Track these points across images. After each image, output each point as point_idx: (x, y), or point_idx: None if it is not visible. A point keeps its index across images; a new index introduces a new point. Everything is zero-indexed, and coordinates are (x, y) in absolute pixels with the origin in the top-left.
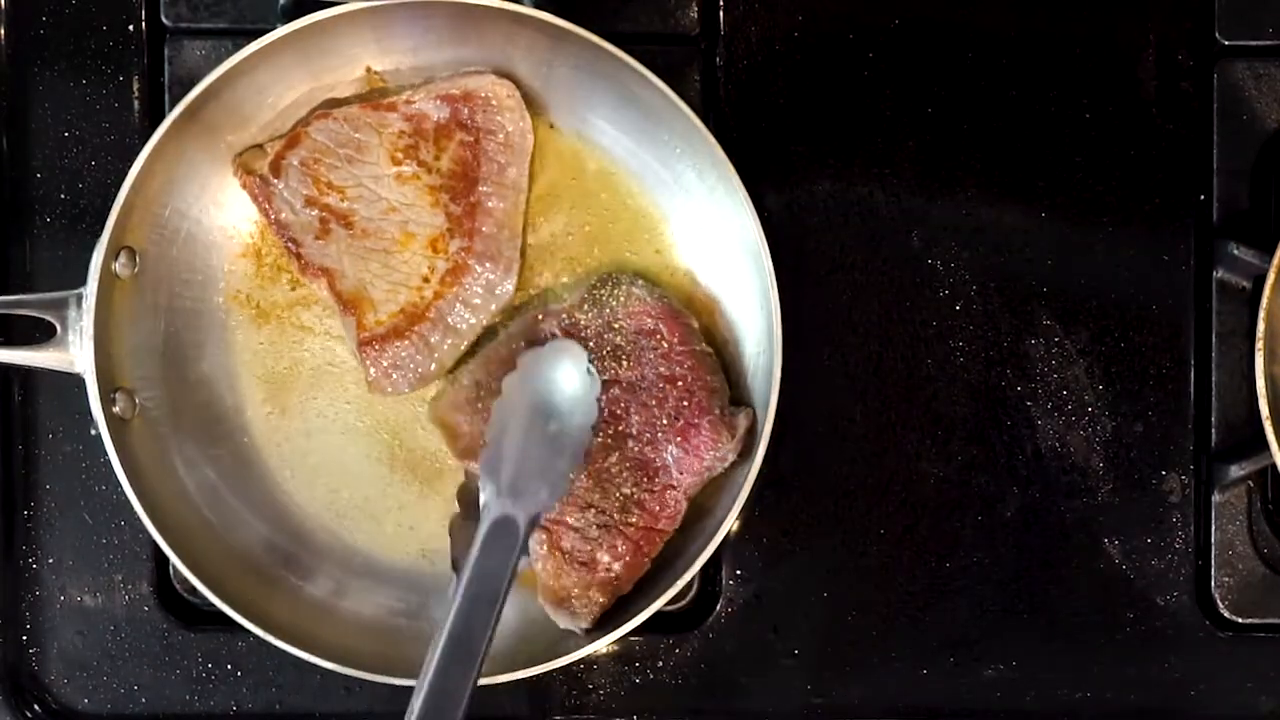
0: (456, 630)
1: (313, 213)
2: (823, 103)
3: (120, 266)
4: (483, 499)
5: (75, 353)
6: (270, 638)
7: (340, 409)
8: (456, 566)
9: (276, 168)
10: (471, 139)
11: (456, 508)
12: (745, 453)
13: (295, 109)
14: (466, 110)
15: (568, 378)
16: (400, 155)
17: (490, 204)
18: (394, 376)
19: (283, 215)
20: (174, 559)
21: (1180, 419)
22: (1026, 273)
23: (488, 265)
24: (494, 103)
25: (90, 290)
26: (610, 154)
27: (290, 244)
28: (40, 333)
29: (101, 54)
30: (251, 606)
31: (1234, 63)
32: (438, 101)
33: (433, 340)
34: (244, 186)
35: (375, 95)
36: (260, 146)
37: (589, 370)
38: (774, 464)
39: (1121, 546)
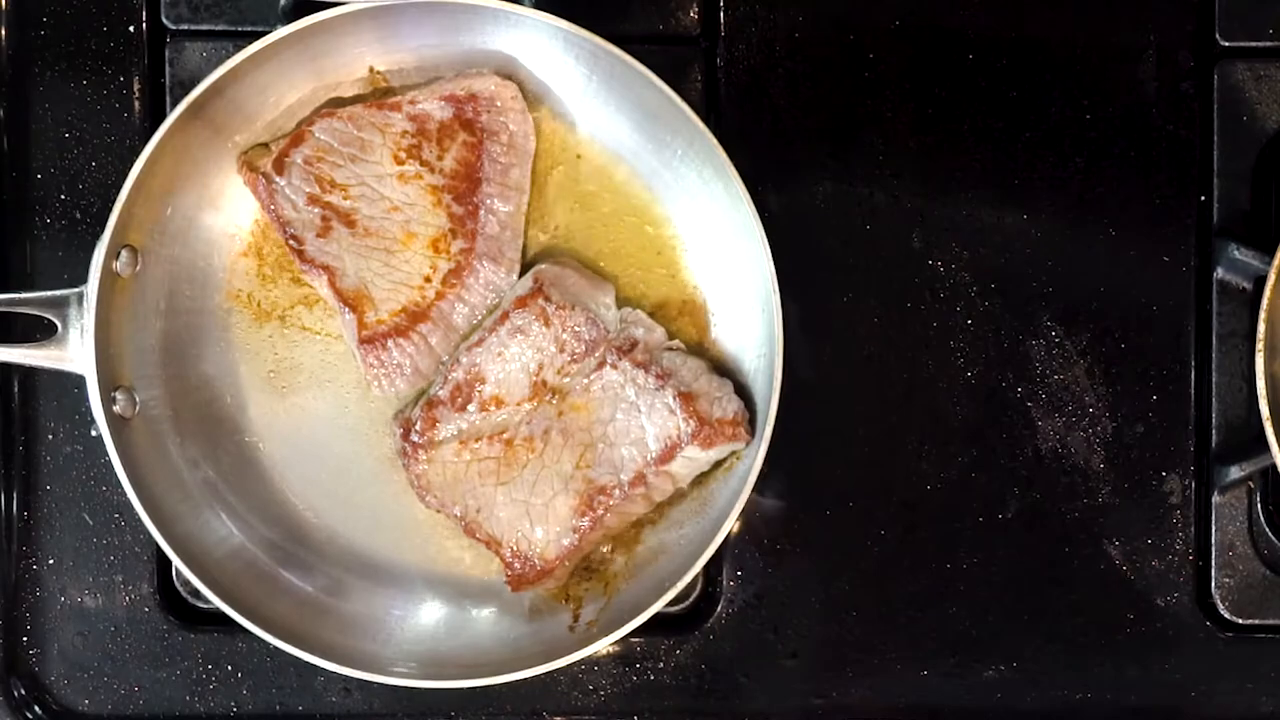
0: None
1: (315, 211)
2: (823, 103)
3: (121, 265)
4: None
5: (76, 351)
6: (270, 638)
7: (341, 408)
8: None
9: (280, 165)
10: (475, 140)
11: None
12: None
13: (299, 108)
14: (470, 111)
15: None
16: (403, 155)
17: (493, 204)
18: (394, 376)
19: (285, 212)
20: (174, 558)
21: (1181, 420)
22: (1027, 273)
23: (490, 266)
24: (498, 104)
25: (91, 289)
26: (612, 154)
27: (292, 241)
28: (41, 332)
29: (102, 55)
30: (252, 606)
31: (1234, 64)
32: (441, 102)
33: (433, 341)
34: (247, 184)
35: (379, 95)
36: (265, 145)
37: None
38: (775, 464)
39: (1122, 547)
